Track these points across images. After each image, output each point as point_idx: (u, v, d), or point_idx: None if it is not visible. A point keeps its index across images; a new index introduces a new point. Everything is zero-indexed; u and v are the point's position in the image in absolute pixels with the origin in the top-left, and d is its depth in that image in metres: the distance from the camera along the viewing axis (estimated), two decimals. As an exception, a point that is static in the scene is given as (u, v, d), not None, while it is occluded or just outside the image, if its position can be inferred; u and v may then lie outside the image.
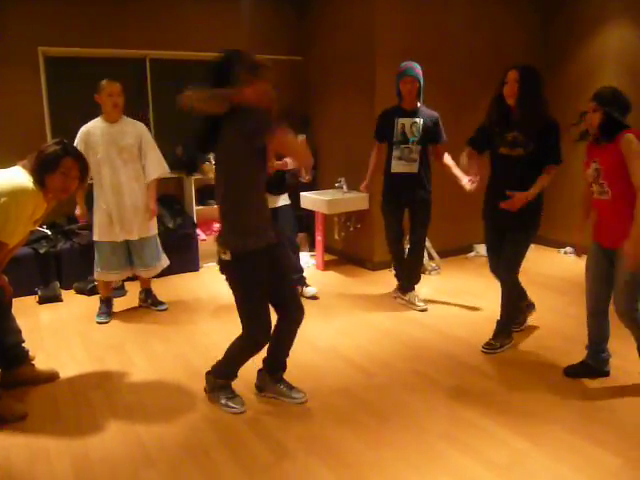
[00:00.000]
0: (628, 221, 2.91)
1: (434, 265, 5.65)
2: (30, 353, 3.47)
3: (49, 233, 5.15)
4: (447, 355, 3.74)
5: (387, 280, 5.26)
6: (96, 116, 4.24)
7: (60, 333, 4.16)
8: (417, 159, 4.35)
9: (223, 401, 3.06)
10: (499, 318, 3.82)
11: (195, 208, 5.83)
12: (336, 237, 6.08)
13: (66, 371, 3.52)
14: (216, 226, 6.07)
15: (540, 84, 3.40)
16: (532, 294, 4.11)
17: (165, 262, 4.64)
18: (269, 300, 2.93)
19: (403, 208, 4.56)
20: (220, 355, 3.08)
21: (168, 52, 5.77)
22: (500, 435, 2.80)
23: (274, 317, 2.97)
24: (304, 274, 4.93)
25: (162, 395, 3.25)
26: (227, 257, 2.80)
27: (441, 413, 3.02)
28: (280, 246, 3.00)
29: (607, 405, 3.06)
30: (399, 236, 4.67)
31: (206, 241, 5.86)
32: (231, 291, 2.90)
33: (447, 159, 4.41)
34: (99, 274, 4.38)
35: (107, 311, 4.43)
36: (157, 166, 4.34)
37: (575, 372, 3.37)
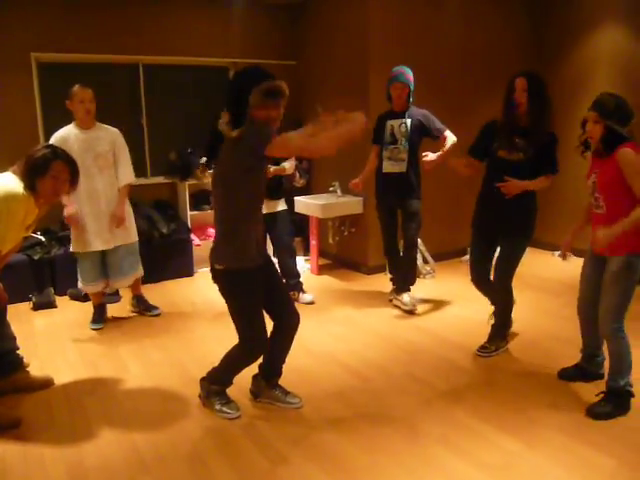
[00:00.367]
0: (621, 236, 2.80)
1: (429, 269, 5.66)
2: (24, 360, 3.46)
3: (43, 239, 5.13)
4: (442, 359, 3.74)
5: (382, 284, 5.27)
6: None
7: (54, 339, 4.15)
8: (405, 159, 4.41)
9: (218, 407, 3.06)
10: (494, 322, 3.83)
11: (189, 213, 5.82)
12: (330, 241, 6.08)
13: (61, 377, 3.51)
14: (210, 231, 6.07)
15: (547, 92, 3.40)
16: (526, 297, 4.14)
17: (140, 272, 4.52)
18: (264, 307, 2.93)
19: (395, 208, 4.61)
20: (215, 361, 3.07)
21: (161, 58, 5.78)
22: (494, 438, 2.80)
23: (269, 324, 2.96)
24: (301, 279, 4.93)
25: (157, 401, 3.25)
26: (221, 267, 2.80)
27: (436, 416, 3.03)
28: (268, 257, 3.01)
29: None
30: (392, 236, 4.71)
31: (200, 246, 5.86)
32: (224, 300, 2.90)
33: (447, 140, 4.35)
34: (81, 284, 4.35)
35: (100, 318, 4.40)
36: (128, 174, 4.27)
37: (569, 375, 3.39)
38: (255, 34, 6.21)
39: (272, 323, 3.01)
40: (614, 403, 2.99)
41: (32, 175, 2.86)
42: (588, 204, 3.18)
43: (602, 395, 3.03)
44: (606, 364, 3.31)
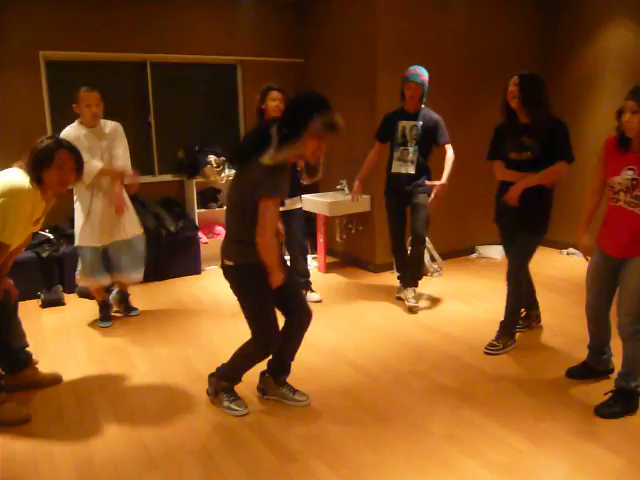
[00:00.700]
0: None
1: (436, 267, 5.65)
2: (34, 357, 3.48)
3: (51, 237, 5.16)
4: (449, 357, 3.74)
5: (389, 282, 5.27)
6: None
7: (63, 336, 4.17)
8: (414, 160, 4.43)
9: (226, 403, 3.06)
10: (502, 319, 3.82)
11: (197, 211, 5.83)
12: (338, 239, 6.08)
13: (69, 374, 3.53)
14: (218, 229, 6.08)
15: (541, 85, 3.42)
16: (534, 295, 4.11)
17: (139, 277, 4.43)
18: (276, 304, 2.93)
19: (403, 207, 4.62)
20: (223, 358, 3.08)
21: (169, 56, 5.79)
22: (502, 436, 2.80)
23: (281, 320, 2.97)
24: (310, 279, 4.93)
25: (165, 398, 3.26)
26: (231, 263, 2.81)
27: (443, 414, 3.03)
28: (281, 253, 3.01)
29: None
30: (400, 234, 4.71)
31: (208, 244, 5.87)
32: (236, 297, 2.91)
33: (448, 155, 4.42)
34: (78, 278, 4.31)
35: (107, 315, 4.42)
36: (122, 157, 4.22)
37: (577, 374, 3.37)
38: (263, 31, 6.21)
39: (283, 320, 3.01)
40: (623, 403, 2.97)
41: (38, 167, 2.87)
42: (593, 205, 3.12)
43: (610, 394, 3.02)
44: (614, 362, 3.31)
